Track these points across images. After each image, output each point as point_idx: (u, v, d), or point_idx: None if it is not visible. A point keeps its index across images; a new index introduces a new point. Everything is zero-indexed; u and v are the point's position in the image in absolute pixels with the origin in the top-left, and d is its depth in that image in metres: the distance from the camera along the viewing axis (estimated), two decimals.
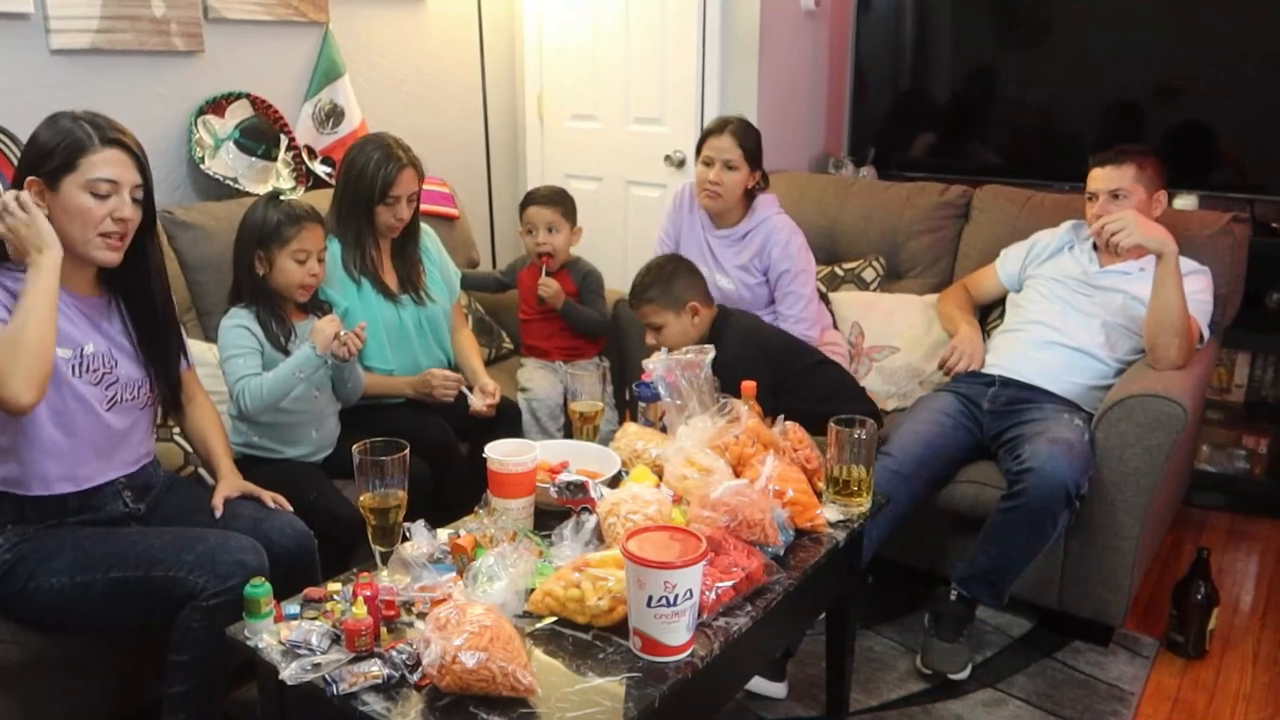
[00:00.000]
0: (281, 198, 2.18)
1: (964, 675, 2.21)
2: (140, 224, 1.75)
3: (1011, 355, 2.50)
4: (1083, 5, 3.19)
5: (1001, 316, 2.75)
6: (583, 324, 2.79)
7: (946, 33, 3.49)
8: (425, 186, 2.52)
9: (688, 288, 2.41)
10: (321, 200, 2.71)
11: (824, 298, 2.94)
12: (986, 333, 2.82)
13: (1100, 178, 2.46)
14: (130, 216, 1.70)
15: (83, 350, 1.74)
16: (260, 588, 1.43)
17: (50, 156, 1.65)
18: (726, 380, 2.06)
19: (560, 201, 2.78)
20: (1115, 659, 2.31)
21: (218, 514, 1.86)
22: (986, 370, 2.53)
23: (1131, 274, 2.47)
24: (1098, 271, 2.52)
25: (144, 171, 1.73)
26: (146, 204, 1.75)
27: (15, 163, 2.39)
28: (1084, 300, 2.51)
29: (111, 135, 1.69)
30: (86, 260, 1.72)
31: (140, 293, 1.83)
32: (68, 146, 1.65)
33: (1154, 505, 2.23)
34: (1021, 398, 2.40)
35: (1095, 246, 2.56)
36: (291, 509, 1.93)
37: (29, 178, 1.66)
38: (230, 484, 1.94)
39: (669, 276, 2.41)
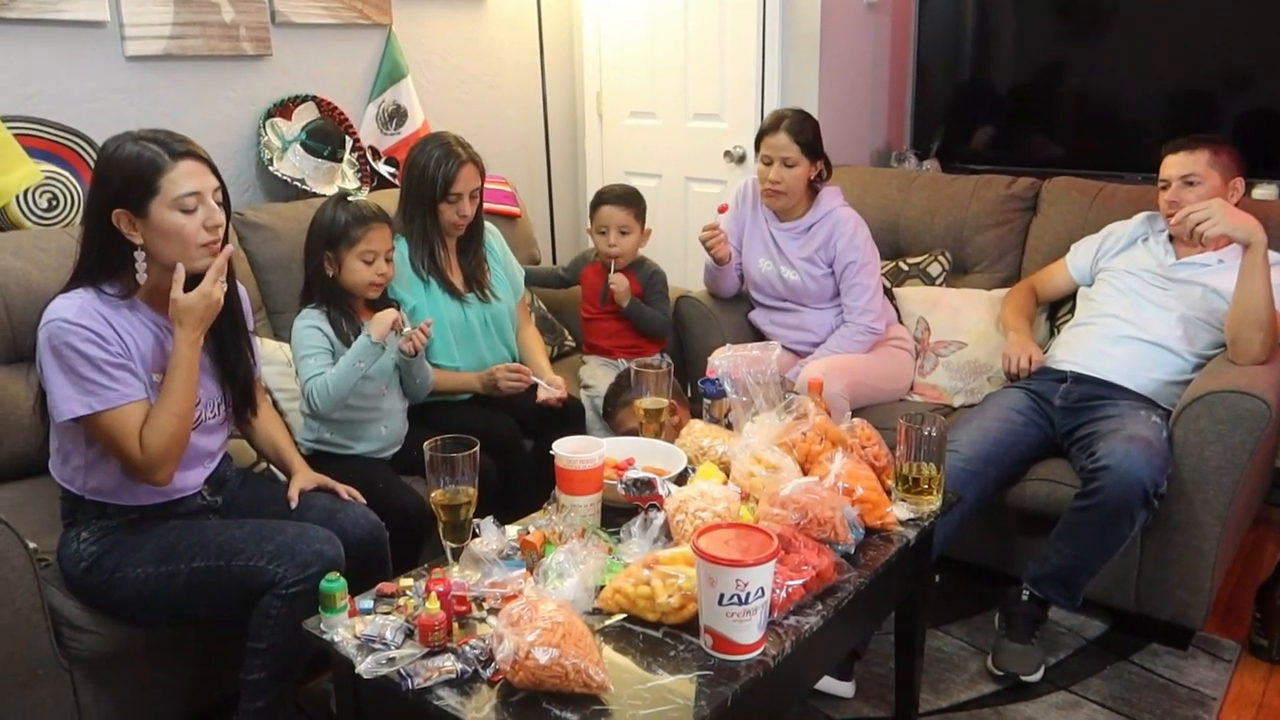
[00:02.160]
0: (350, 198, 2.21)
1: (1036, 677, 2.16)
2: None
3: (1084, 350, 2.44)
4: None
5: (1072, 311, 2.69)
6: (646, 324, 2.78)
7: (1010, 22, 3.42)
8: (487, 185, 2.53)
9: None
10: (386, 200, 2.75)
11: (888, 292, 2.90)
12: (1056, 328, 2.76)
13: (1173, 164, 2.40)
14: (220, 221, 1.70)
15: None
16: (335, 582, 1.45)
17: (129, 185, 1.64)
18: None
19: (634, 203, 2.76)
20: (1195, 663, 2.24)
21: (294, 505, 1.91)
22: (1058, 366, 2.47)
23: (1210, 266, 2.39)
24: (1174, 264, 2.45)
25: (219, 175, 1.73)
26: (227, 207, 1.75)
27: (93, 167, 2.46)
28: (1160, 293, 2.44)
29: (180, 148, 1.67)
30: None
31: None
32: (143, 171, 1.64)
33: (1236, 505, 2.16)
34: (1096, 394, 2.34)
35: (1171, 238, 2.48)
36: (365, 502, 1.97)
37: (116, 211, 1.65)
38: (306, 476, 1.98)
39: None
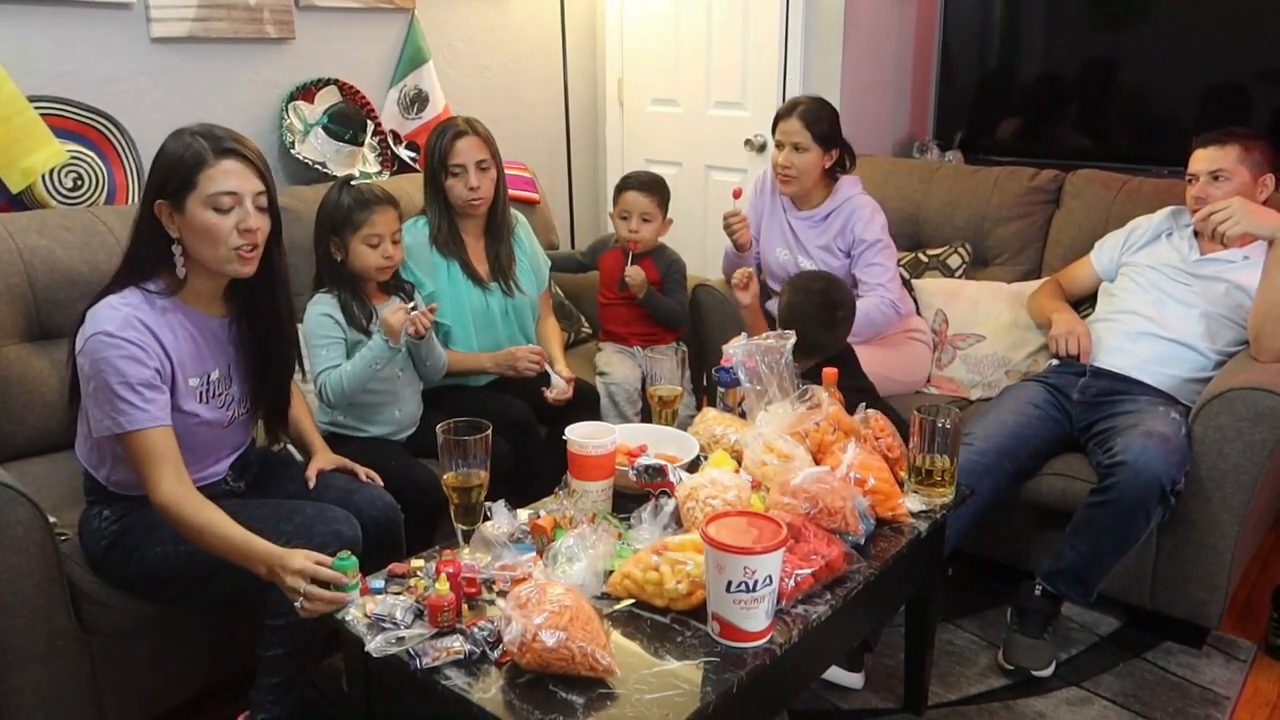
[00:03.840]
0: (353, 182, 2.22)
1: (1047, 673, 2.15)
2: (268, 233, 1.73)
3: (1104, 346, 2.42)
4: None
5: (1093, 307, 2.66)
6: (663, 313, 2.77)
7: (1038, 11, 3.37)
8: (506, 171, 2.54)
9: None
10: (407, 184, 2.77)
11: (906, 284, 2.89)
12: None
13: (1202, 158, 2.36)
14: (256, 226, 1.67)
15: (209, 376, 1.78)
16: (347, 560, 1.47)
17: (171, 177, 1.64)
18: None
19: (659, 191, 2.75)
20: (1210, 662, 2.23)
21: (311, 485, 1.93)
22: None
23: (1235, 262, 2.36)
24: (1198, 259, 2.42)
25: (266, 179, 1.70)
26: (271, 212, 1.73)
27: (119, 148, 2.49)
28: (1183, 289, 2.41)
29: (227, 145, 1.65)
30: (223, 275, 1.71)
31: (265, 307, 1.81)
32: (186, 164, 1.63)
33: (1255, 503, 2.14)
34: (1114, 389, 2.32)
35: (1196, 233, 2.45)
36: (382, 483, 1.99)
37: (158, 201, 1.66)
38: (325, 458, 2.00)
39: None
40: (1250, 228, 2.17)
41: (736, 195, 2.78)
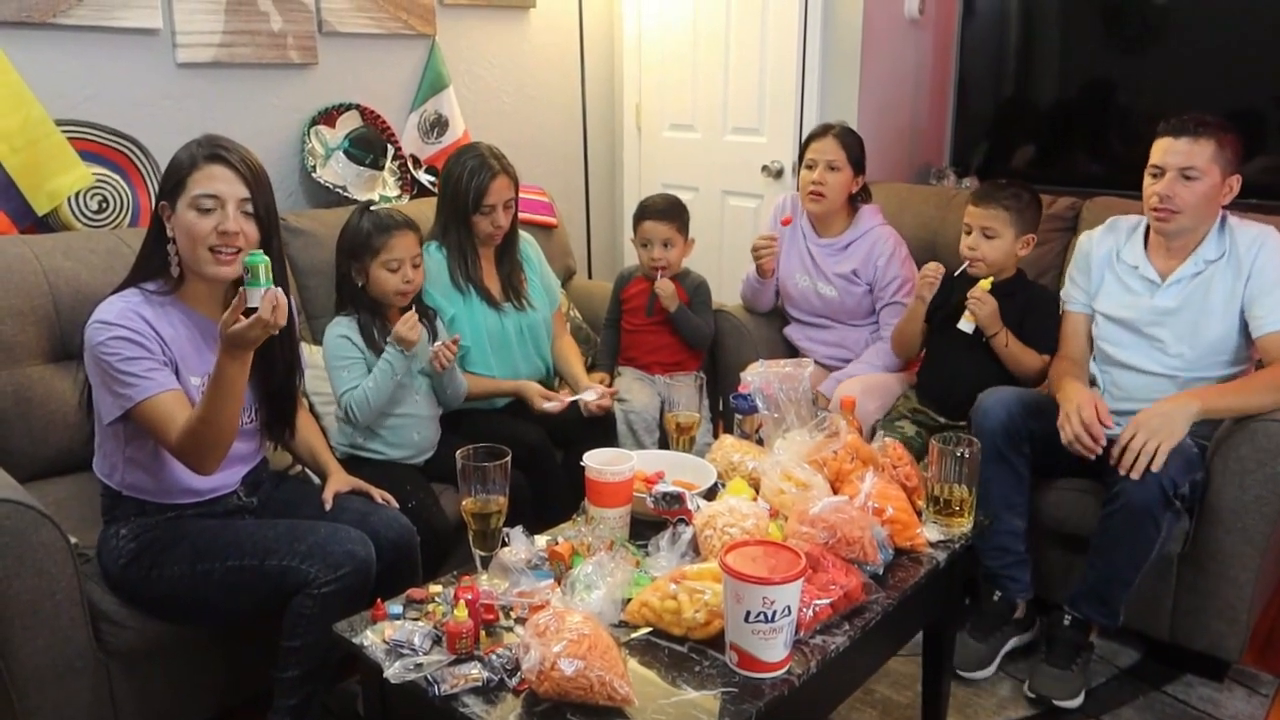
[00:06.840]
0: (372, 207, 2.24)
1: (1074, 704, 2.12)
2: (261, 243, 1.76)
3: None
4: (1198, 8, 3.05)
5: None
6: (691, 332, 2.76)
7: (1054, 38, 3.39)
8: (524, 195, 2.55)
9: (1038, 224, 2.45)
10: (426, 208, 2.78)
11: None
12: None
13: (1172, 150, 2.13)
14: (234, 229, 1.71)
15: (210, 378, 1.80)
16: (255, 256, 1.57)
17: (169, 179, 1.74)
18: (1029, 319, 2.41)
19: (676, 215, 2.74)
20: (1231, 695, 2.20)
21: (328, 507, 1.94)
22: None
23: (1202, 272, 2.19)
24: (1161, 288, 2.23)
25: (253, 187, 1.74)
26: (264, 222, 1.76)
27: (143, 172, 2.52)
28: (1149, 349, 2.23)
29: (214, 151, 1.72)
30: (202, 277, 1.75)
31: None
32: (182, 167, 1.72)
33: (1275, 535, 2.12)
34: None
35: (1147, 235, 2.29)
36: (398, 506, 1.99)
37: (161, 203, 1.75)
38: (341, 479, 2.02)
39: (1031, 203, 2.44)
40: (1177, 437, 2.01)
41: (786, 224, 2.80)
